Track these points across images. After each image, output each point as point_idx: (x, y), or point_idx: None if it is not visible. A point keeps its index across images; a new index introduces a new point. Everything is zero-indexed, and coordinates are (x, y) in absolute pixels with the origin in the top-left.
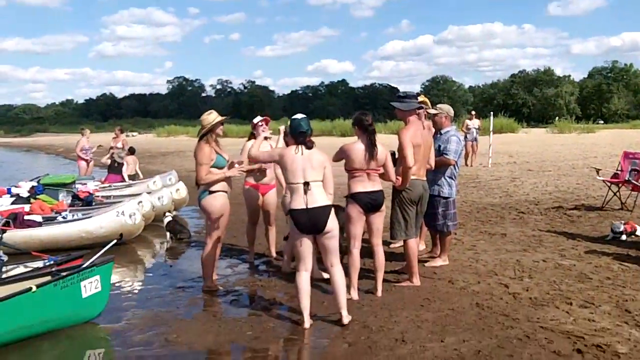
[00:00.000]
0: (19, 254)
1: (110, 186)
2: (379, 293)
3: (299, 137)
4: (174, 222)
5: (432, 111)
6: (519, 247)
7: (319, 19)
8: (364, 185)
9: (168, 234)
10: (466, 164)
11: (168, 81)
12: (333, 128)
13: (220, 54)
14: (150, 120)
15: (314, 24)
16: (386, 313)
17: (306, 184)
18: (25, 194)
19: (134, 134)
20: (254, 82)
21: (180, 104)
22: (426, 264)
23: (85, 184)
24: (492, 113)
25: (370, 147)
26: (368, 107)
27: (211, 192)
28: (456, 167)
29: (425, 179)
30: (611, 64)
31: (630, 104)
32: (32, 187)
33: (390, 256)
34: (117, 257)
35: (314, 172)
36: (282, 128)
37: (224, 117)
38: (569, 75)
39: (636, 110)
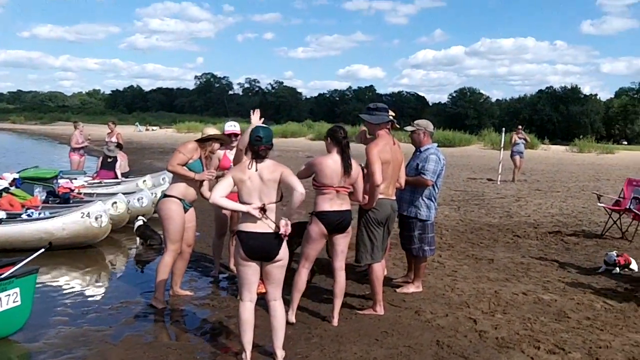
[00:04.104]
0: None
1: (100, 183)
2: (335, 322)
3: (254, 144)
4: (144, 227)
5: (409, 128)
6: (502, 276)
7: (354, 23)
8: (332, 203)
9: (138, 239)
10: (513, 180)
11: (196, 77)
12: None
13: (253, 53)
14: (175, 115)
15: (349, 28)
16: (334, 347)
17: (263, 207)
18: (5, 186)
19: (154, 128)
20: (282, 82)
21: (206, 101)
22: (398, 290)
23: (75, 178)
24: (503, 129)
25: (345, 162)
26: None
27: (166, 196)
28: (435, 188)
29: (394, 198)
30: (638, 85)
31: None
32: (14, 179)
33: (358, 279)
34: (77, 261)
35: (269, 192)
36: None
37: (221, 139)
38: (596, 94)
39: None
